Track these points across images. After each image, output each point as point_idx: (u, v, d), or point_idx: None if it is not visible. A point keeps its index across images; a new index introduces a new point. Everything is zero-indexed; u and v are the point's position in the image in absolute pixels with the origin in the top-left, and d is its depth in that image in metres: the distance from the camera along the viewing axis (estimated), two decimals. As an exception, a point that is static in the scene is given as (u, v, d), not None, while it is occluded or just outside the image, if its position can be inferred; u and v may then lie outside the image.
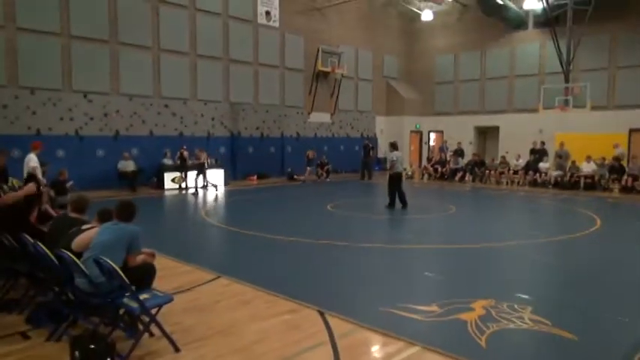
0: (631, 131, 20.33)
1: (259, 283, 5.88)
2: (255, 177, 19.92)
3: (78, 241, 4.38)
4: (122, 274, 3.88)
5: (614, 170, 16.92)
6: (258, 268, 6.84)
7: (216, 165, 17.83)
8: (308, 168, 20.32)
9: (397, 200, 12.39)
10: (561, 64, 20.10)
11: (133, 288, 4.04)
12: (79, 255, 4.25)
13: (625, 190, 16.21)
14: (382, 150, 26.24)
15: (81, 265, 4.06)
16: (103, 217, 4.62)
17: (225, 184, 18.00)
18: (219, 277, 6.26)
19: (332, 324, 4.64)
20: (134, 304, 3.94)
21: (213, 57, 19.11)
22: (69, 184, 12.05)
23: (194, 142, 18.07)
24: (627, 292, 5.97)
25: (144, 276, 4.35)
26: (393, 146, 12.97)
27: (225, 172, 18.16)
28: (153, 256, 4.67)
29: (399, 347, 4.19)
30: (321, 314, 4.89)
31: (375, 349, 4.26)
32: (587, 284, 6.23)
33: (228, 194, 16.13)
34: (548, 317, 4.81)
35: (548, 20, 20.41)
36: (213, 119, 19.26)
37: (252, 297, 5.50)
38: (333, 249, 8.07)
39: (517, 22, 23.28)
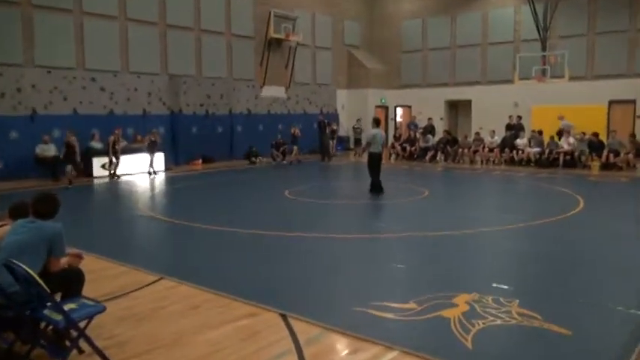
0: (610, 103, 21.05)
1: (210, 285, 5.69)
2: (199, 161, 19.48)
3: (-17, 243, 4.04)
4: (40, 281, 3.60)
5: (592, 146, 17.46)
6: (209, 266, 6.65)
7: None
8: (295, 147, 20.35)
9: (376, 184, 12.20)
10: (538, 30, 20.52)
11: (58, 297, 3.78)
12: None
13: (606, 166, 16.79)
14: (344, 127, 26.19)
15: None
16: (17, 213, 4.40)
17: (166, 169, 17.54)
18: (161, 278, 6.04)
19: (296, 329, 4.53)
20: (57, 317, 3.71)
21: (147, 22, 18.37)
22: None
23: (127, 121, 17.43)
24: (618, 278, 6.11)
25: (69, 283, 4.12)
26: (376, 122, 12.85)
27: (165, 155, 17.66)
28: (80, 257, 4.45)
29: (374, 352, 4.10)
30: (284, 318, 4.77)
31: (348, 356, 4.14)
32: (576, 271, 6.33)
33: (170, 181, 15.71)
34: (538, 310, 4.83)
35: (524, -19, 20.74)
36: (149, 95, 18.59)
37: (201, 301, 5.31)
38: (294, 242, 7.93)
39: (490, -17, 23.58)
